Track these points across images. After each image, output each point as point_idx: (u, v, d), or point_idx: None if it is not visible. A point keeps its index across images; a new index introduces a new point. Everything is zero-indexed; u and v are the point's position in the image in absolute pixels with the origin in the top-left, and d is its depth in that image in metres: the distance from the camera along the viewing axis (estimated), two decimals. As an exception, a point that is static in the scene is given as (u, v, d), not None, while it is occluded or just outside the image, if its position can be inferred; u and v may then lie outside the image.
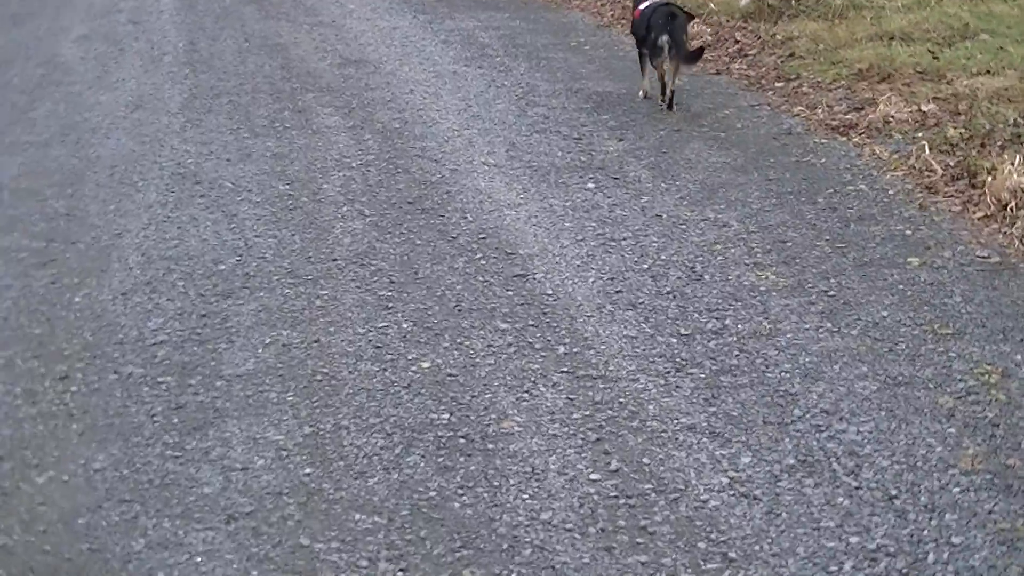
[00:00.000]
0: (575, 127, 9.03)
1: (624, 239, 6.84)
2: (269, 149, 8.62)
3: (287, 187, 7.82)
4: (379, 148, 8.61)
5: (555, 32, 12.74)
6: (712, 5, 12.61)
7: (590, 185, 7.73)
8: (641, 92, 9.79)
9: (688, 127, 8.94)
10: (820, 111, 9.10)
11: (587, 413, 5.00)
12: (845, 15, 11.57)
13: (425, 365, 5.44)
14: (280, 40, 12.48)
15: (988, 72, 9.20)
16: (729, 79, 10.41)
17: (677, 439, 4.79)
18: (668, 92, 9.36)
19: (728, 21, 12.14)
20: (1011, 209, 6.85)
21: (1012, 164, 7.14)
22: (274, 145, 8.72)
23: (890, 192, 7.43)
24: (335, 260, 6.64)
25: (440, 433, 4.88)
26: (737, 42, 11.46)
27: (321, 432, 4.92)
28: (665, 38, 8.92)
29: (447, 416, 5.01)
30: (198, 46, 12.16)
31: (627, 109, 9.47)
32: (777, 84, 10.04)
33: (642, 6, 9.42)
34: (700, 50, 9.66)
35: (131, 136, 8.97)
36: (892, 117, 8.60)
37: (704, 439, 4.79)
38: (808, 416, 4.93)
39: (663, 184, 7.70)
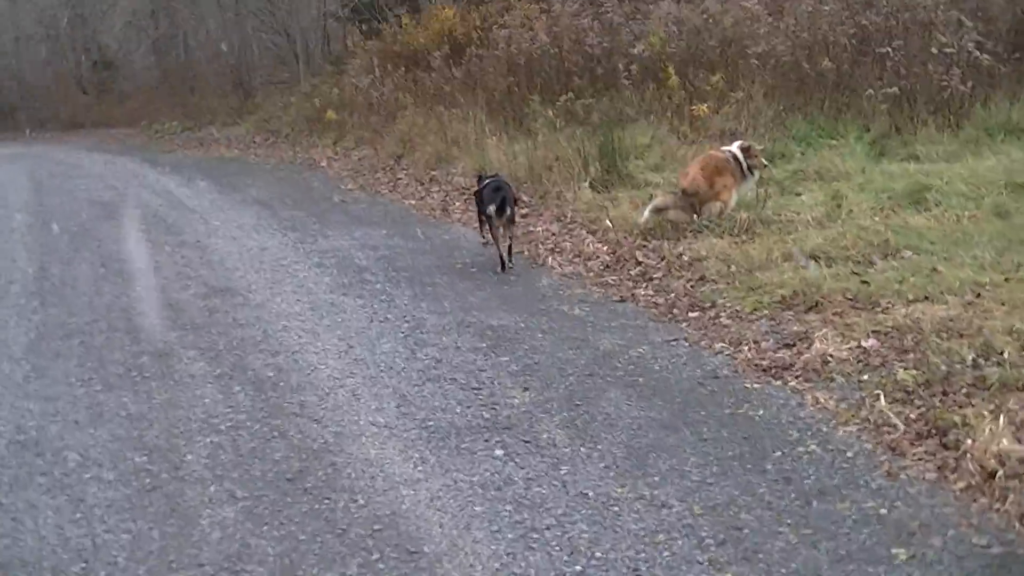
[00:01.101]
0: (472, 372, 7.98)
1: (548, 528, 5.72)
2: (124, 407, 7.51)
3: (144, 459, 6.70)
4: (251, 404, 7.50)
5: (437, 251, 11.87)
6: (608, 222, 11.71)
7: (499, 452, 6.63)
8: (482, 239, 11.86)
9: (600, 370, 7.90)
10: (746, 348, 8.10)
11: None
12: (753, 230, 10.71)
13: None
14: (140, 264, 11.55)
15: (926, 298, 8.29)
16: (636, 307, 9.46)
17: None
18: (504, 251, 11.03)
19: (626, 239, 11.20)
20: (1000, 479, 5.82)
21: (994, 423, 6.17)
22: (130, 401, 7.61)
23: (848, 455, 6.37)
24: (202, 566, 5.48)
25: None
26: (639, 263, 10.53)
27: None
28: (493, 207, 10.71)
29: None
30: (49, 272, 11.20)
31: (529, 349, 8.44)
32: (691, 314, 9.06)
33: (480, 184, 11.47)
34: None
35: (-38, 394, 7.80)
36: (831, 356, 7.60)
37: None
38: None
39: (583, 449, 6.62)
